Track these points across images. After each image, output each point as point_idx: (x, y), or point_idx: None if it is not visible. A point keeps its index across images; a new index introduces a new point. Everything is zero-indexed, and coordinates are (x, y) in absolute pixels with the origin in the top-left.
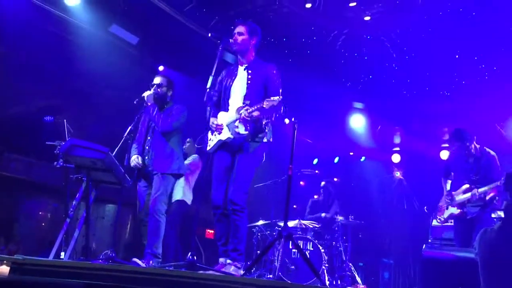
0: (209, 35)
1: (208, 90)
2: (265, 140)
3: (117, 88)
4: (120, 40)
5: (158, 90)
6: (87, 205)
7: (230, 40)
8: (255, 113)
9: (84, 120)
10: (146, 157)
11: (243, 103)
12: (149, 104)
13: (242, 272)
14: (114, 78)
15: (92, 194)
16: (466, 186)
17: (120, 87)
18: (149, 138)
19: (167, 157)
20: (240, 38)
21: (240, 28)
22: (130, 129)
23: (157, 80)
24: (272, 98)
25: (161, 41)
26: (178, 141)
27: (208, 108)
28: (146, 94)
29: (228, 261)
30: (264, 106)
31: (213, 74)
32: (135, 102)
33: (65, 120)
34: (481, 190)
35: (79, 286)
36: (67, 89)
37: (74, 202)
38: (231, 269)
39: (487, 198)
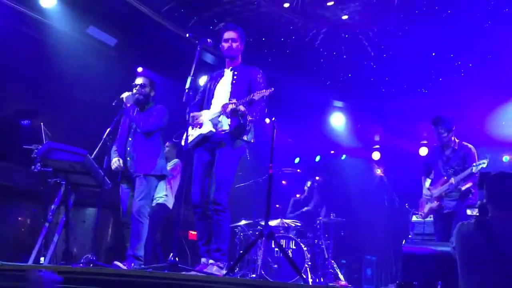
0: (187, 35)
1: (187, 90)
2: (245, 138)
3: (95, 90)
4: (98, 42)
5: (142, 90)
6: (67, 209)
7: (209, 41)
8: (242, 108)
9: (62, 123)
10: (128, 159)
11: (229, 100)
12: (128, 105)
13: (224, 272)
14: (92, 80)
15: (71, 197)
16: (444, 179)
17: (99, 89)
18: (130, 139)
19: (149, 158)
20: (234, 45)
21: (233, 34)
22: (109, 131)
23: (139, 80)
24: (245, 98)
25: (140, 42)
26: (159, 142)
27: (188, 108)
28: (124, 95)
29: (211, 261)
30: (255, 97)
31: (191, 74)
32: (113, 104)
33: (42, 124)
34: (456, 178)
35: None
36: (45, 92)
37: (53, 207)
38: (214, 269)
39: (463, 188)
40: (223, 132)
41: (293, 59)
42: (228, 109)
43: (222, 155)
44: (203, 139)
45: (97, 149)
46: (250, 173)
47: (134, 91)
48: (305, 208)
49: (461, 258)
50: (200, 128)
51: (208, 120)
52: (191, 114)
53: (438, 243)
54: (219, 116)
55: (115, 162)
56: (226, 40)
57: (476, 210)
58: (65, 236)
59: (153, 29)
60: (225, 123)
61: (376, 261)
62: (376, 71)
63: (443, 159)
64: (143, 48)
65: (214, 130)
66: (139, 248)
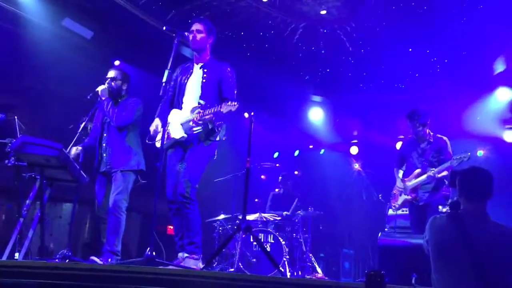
0: (164, 28)
1: (164, 84)
2: (217, 139)
3: (71, 84)
4: (74, 35)
5: (112, 84)
6: (42, 204)
7: (189, 36)
8: (207, 117)
9: (37, 117)
10: (104, 154)
11: (198, 103)
12: (103, 98)
13: (201, 265)
14: (68, 73)
15: (47, 192)
16: (418, 170)
17: (74, 82)
18: (105, 135)
19: (125, 154)
20: (199, 36)
21: (198, 26)
22: (84, 124)
23: (111, 73)
24: (230, 103)
25: (117, 35)
26: (135, 136)
27: (160, 104)
28: (100, 88)
29: (186, 254)
30: (222, 110)
31: (169, 68)
32: (88, 97)
33: (16, 117)
34: (435, 170)
35: (32, 285)
36: (19, 85)
37: (27, 201)
38: (191, 263)
39: (439, 176)
40: (194, 134)
41: (271, 54)
42: (194, 118)
43: (192, 154)
44: (175, 143)
45: (72, 143)
46: (228, 167)
47: (106, 84)
48: (285, 213)
49: (434, 251)
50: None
51: (180, 124)
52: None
53: (412, 236)
54: (189, 121)
55: (74, 151)
56: (191, 32)
57: (447, 207)
58: (40, 231)
59: (131, 22)
60: (196, 128)
61: (354, 254)
62: (354, 66)
63: (418, 151)
64: (120, 41)
65: (186, 136)
66: (116, 244)
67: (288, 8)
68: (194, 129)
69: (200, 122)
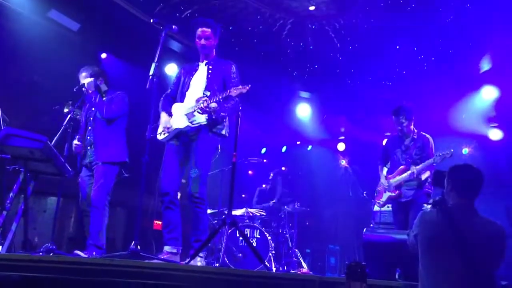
0: (151, 21)
1: (150, 77)
2: (223, 132)
3: (57, 76)
4: (60, 26)
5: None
6: (25, 197)
7: (174, 27)
8: (213, 105)
9: (22, 109)
10: (89, 147)
11: (203, 94)
12: (90, 92)
13: (204, 262)
14: (54, 66)
15: (31, 185)
16: (402, 167)
17: (60, 74)
18: (89, 128)
19: (110, 146)
20: (208, 42)
21: (207, 31)
22: (70, 117)
23: (85, 81)
24: (240, 86)
25: (103, 28)
26: (119, 129)
27: (161, 99)
28: (86, 81)
29: (170, 248)
30: (232, 93)
31: (156, 61)
32: (74, 90)
33: None
34: (418, 167)
35: (15, 278)
36: (3, 77)
37: (11, 194)
38: (198, 260)
39: (423, 178)
40: (198, 125)
41: (259, 49)
42: (200, 105)
43: (198, 149)
44: (179, 133)
45: (57, 136)
46: (216, 162)
47: (92, 79)
48: (272, 202)
49: (424, 245)
50: (165, 134)
51: (184, 114)
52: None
53: (396, 231)
54: (194, 111)
55: (75, 143)
56: (200, 37)
57: (430, 205)
58: (24, 224)
59: (118, 15)
60: (201, 117)
61: (339, 250)
62: (342, 62)
63: (402, 148)
64: (107, 33)
65: (191, 125)
66: (99, 237)
67: (276, 3)
68: (198, 118)
69: (207, 109)
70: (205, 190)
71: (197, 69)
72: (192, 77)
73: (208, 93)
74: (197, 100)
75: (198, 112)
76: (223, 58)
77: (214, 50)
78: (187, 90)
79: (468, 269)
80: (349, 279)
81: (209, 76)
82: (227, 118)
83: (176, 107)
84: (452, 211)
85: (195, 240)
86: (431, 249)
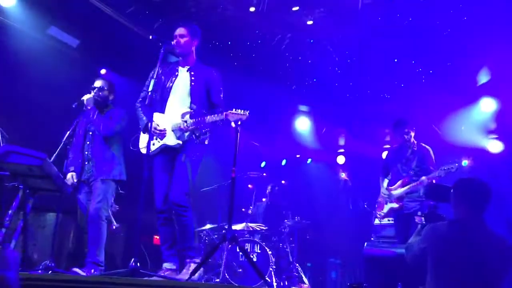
0: (150, 37)
1: (150, 93)
2: (206, 142)
3: (56, 92)
4: (60, 43)
5: (100, 93)
6: (24, 214)
7: (172, 42)
8: (191, 127)
9: (21, 125)
10: (86, 163)
11: (190, 108)
12: (88, 108)
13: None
14: (53, 82)
15: (30, 202)
16: (404, 180)
17: (60, 91)
18: (88, 143)
19: (107, 163)
20: (182, 41)
21: (182, 30)
22: (69, 133)
23: (98, 83)
24: (215, 115)
25: (103, 44)
26: (118, 146)
27: (140, 107)
28: (85, 97)
29: (170, 265)
30: (206, 120)
31: (155, 77)
32: (74, 106)
33: None
34: (423, 178)
35: None
36: (3, 94)
37: (10, 212)
38: (191, 267)
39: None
40: (186, 141)
41: (258, 63)
42: (184, 126)
43: (181, 160)
44: (165, 148)
45: (56, 153)
46: (215, 177)
47: (92, 94)
48: (264, 200)
49: (435, 259)
50: (162, 139)
51: (171, 130)
52: (153, 124)
53: (398, 245)
54: (180, 128)
55: (69, 178)
56: (175, 37)
57: (423, 218)
58: (23, 241)
59: (117, 31)
60: (186, 133)
61: (340, 264)
62: (341, 76)
63: (402, 160)
64: (106, 49)
65: (180, 142)
66: (98, 254)
67: (275, 18)
68: (185, 135)
69: (190, 128)
70: (187, 199)
71: (177, 74)
72: (173, 83)
73: (194, 107)
74: (182, 116)
75: (183, 128)
76: (205, 64)
77: (194, 54)
78: (167, 99)
79: (479, 283)
80: None
81: (193, 84)
82: (208, 129)
83: (159, 119)
84: (464, 225)
85: (187, 248)
86: (443, 263)
